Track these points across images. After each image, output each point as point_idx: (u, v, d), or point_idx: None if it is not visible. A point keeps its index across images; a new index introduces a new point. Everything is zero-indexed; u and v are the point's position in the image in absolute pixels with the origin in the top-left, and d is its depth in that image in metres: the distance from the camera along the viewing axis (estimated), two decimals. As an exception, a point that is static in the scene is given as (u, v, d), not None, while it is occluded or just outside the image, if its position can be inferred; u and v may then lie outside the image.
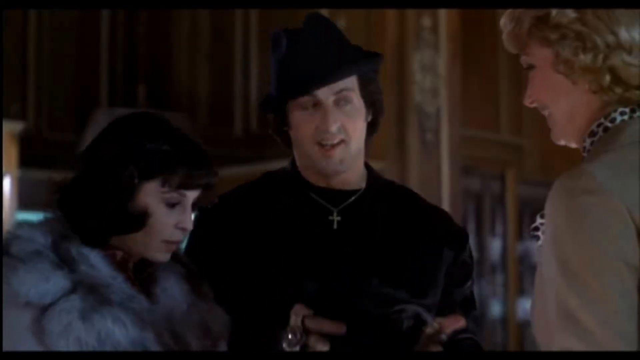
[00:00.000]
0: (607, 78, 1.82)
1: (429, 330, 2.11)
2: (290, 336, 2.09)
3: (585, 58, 1.82)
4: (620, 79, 1.82)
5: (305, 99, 2.26)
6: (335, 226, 2.30)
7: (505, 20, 1.94)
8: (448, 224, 2.41)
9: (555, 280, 1.73)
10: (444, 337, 2.11)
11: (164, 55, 7.99)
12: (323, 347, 2.08)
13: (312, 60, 2.25)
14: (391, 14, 6.96)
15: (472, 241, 2.44)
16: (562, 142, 1.94)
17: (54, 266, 2.01)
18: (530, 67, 1.92)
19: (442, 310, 2.31)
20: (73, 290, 2.00)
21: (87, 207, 2.09)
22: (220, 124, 7.57)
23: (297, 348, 2.09)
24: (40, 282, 1.99)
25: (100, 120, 5.66)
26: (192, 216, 2.16)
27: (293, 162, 2.36)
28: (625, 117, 1.84)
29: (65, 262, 2.03)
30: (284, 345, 2.09)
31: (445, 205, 6.80)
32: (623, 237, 1.70)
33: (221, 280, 2.28)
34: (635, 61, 1.82)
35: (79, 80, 7.72)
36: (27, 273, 1.99)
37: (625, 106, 1.84)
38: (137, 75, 7.92)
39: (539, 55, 1.89)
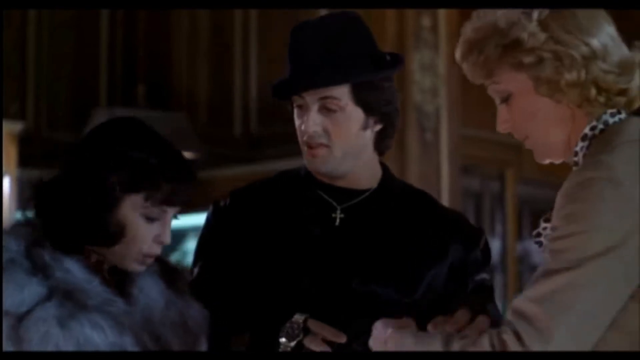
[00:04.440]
0: (593, 91, 1.83)
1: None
2: (288, 330, 2.12)
3: (569, 75, 1.82)
4: (602, 89, 1.84)
5: (296, 98, 2.28)
6: (337, 223, 2.32)
7: (463, 51, 1.94)
8: (460, 226, 2.41)
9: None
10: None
11: (163, 54, 7.98)
12: (316, 348, 2.10)
13: (301, 62, 2.26)
14: (390, 13, 6.95)
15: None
16: (547, 161, 1.96)
17: (28, 274, 2.00)
18: (506, 96, 1.92)
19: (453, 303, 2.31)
20: (49, 297, 1.98)
21: (64, 213, 2.06)
22: (220, 124, 7.56)
23: (292, 344, 2.11)
24: (15, 292, 1.97)
25: (99, 120, 5.66)
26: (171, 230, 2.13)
27: None
28: (616, 118, 1.85)
29: (39, 269, 2.01)
30: (282, 338, 2.12)
31: (445, 205, 6.79)
32: (633, 228, 1.70)
33: (230, 273, 2.30)
34: (612, 67, 1.83)
35: (78, 79, 7.71)
36: (3, 282, 1.98)
37: (611, 108, 1.85)
38: (137, 74, 7.91)
39: (515, 82, 1.89)
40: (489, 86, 1.94)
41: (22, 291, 1.97)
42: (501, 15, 1.87)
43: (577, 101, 1.84)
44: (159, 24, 7.97)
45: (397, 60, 2.36)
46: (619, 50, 1.85)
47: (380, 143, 2.36)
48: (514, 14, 1.86)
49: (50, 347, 1.95)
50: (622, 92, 1.84)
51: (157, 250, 2.10)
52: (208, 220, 2.41)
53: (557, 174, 1.83)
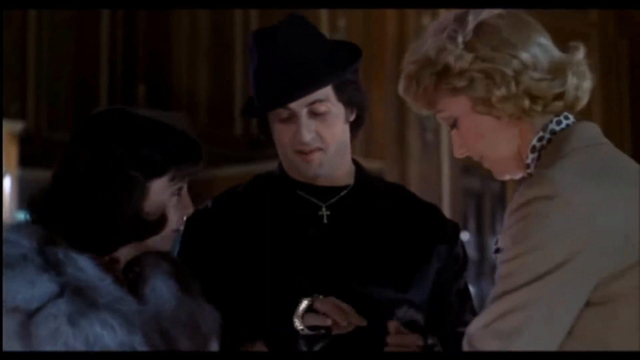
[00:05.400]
0: (527, 101, 1.83)
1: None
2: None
3: (499, 91, 1.83)
4: (536, 97, 1.84)
5: (280, 110, 2.26)
6: (325, 220, 2.32)
7: (403, 86, 1.94)
8: (439, 219, 2.42)
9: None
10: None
11: (163, 54, 7.99)
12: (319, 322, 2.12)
13: (283, 73, 2.23)
14: (391, 13, 6.96)
15: (472, 241, 2.45)
16: (507, 178, 1.96)
17: (39, 270, 1.98)
18: (453, 122, 1.93)
19: (438, 304, 2.33)
20: (60, 294, 1.97)
21: (93, 216, 2.04)
22: (220, 124, 7.56)
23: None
24: (25, 288, 1.96)
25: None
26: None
27: (280, 163, 2.38)
28: (563, 125, 1.85)
29: (51, 266, 2.00)
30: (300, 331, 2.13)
31: (445, 205, 6.80)
32: (580, 242, 1.70)
33: (216, 281, 2.29)
34: (543, 74, 1.84)
35: (78, 79, 7.72)
36: (14, 278, 1.97)
37: (556, 115, 1.86)
38: (137, 74, 7.92)
39: (456, 105, 1.90)
40: (437, 115, 1.95)
41: (33, 287, 1.96)
42: (430, 44, 1.87)
43: (515, 114, 1.85)
44: (159, 24, 7.98)
45: (353, 45, 2.36)
46: (549, 55, 1.85)
47: (355, 132, 2.36)
48: (441, 41, 1.86)
49: (59, 345, 1.94)
50: (558, 97, 1.85)
51: (182, 223, 2.14)
52: (191, 225, 2.37)
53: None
